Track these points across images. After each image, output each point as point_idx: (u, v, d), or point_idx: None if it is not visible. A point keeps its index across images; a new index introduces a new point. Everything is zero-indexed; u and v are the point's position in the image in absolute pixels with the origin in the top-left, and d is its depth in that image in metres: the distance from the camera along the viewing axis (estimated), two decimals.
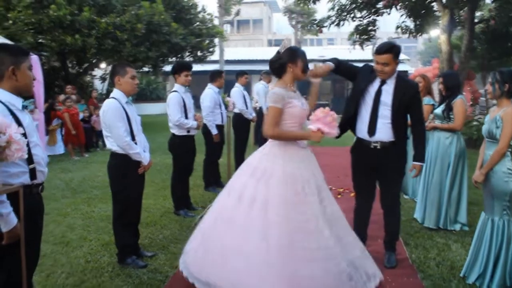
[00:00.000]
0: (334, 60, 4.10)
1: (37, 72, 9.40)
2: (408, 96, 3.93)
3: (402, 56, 32.28)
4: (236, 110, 8.10)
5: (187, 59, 17.99)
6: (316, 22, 13.55)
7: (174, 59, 16.91)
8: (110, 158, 4.15)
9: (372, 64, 4.03)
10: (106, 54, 14.10)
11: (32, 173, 2.64)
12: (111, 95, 4.10)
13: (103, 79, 18.84)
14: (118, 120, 3.93)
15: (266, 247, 3.11)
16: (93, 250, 4.57)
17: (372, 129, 3.97)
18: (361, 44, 13.60)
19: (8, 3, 11.83)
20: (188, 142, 5.78)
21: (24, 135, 2.49)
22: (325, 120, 3.36)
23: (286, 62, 3.53)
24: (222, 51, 27.01)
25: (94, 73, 19.20)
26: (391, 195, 4.19)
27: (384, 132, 3.95)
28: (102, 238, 4.88)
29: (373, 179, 4.22)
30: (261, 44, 46.78)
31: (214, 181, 7.34)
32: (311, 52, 34.93)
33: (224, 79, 7.43)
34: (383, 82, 3.97)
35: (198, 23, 16.97)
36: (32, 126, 2.73)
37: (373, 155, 4.01)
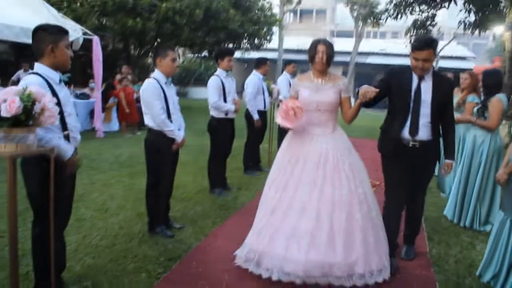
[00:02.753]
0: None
1: (97, 52, 9.99)
2: (444, 92, 3.84)
3: (467, 53, 31.10)
4: (281, 97, 8.24)
5: (244, 46, 18.29)
6: (374, 14, 13.35)
7: (231, 45, 17.23)
8: (147, 133, 4.45)
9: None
10: (165, 37, 14.60)
11: (66, 139, 2.95)
12: (152, 75, 4.39)
13: None
14: (155, 98, 4.22)
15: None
16: (128, 218, 4.92)
17: (414, 130, 3.81)
18: None
19: None
20: (225, 125, 6.02)
21: (59, 105, 2.83)
22: (288, 117, 3.60)
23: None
24: (281, 39, 27.10)
25: None
26: (420, 195, 4.16)
27: (425, 131, 3.82)
28: (138, 208, 5.22)
29: (407, 183, 4.01)
30: (323, 35, 46.36)
31: (254, 165, 7.56)
32: (373, 45, 34.32)
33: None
34: (420, 79, 3.80)
35: (256, 11, 17.14)
36: (67, 97, 3.04)
37: (410, 154, 3.85)
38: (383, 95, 3.81)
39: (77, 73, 12.88)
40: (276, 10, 22.83)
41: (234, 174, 7.11)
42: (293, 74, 8.45)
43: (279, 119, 3.67)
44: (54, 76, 2.94)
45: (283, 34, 28.01)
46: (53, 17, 9.42)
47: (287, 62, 8.59)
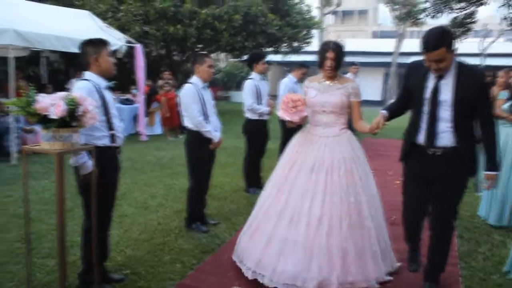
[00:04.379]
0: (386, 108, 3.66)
1: (139, 59, 10.45)
2: (473, 89, 3.15)
3: None
4: None
5: (283, 49, 18.48)
6: (412, 13, 13.26)
7: (270, 49, 17.47)
8: (187, 134, 4.76)
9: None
10: (205, 43, 15.00)
11: (112, 138, 3.27)
12: (190, 80, 4.70)
13: (208, 66, 19.90)
14: (193, 102, 4.52)
15: None
16: (166, 215, 5.22)
17: (431, 136, 3.30)
18: (458, 38, 13.08)
19: None
20: (260, 126, 6.25)
21: (106, 107, 3.20)
22: (287, 108, 3.59)
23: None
24: (321, 42, 27.10)
25: None
26: (445, 214, 3.42)
27: (446, 137, 3.28)
28: (176, 206, 5.52)
29: (428, 194, 3.52)
30: (366, 36, 45.91)
31: None
32: (415, 45, 33.61)
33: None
34: (440, 77, 3.23)
35: (295, 14, 17.30)
36: (112, 101, 3.35)
37: (431, 163, 3.36)
38: (406, 100, 3.52)
39: (122, 79, 13.42)
40: (315, 12, 22.88)
41: (268, 174, 7.29)
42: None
43: (279, 112, 3.68)
44: (101, 82, 3.28)
45: (324, 36, 28.01)
46: (98, 27, 9.96)
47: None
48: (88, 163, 3.04)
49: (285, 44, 17.93)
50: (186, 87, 4.62)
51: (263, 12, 14.94)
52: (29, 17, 8.27)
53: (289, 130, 4.77)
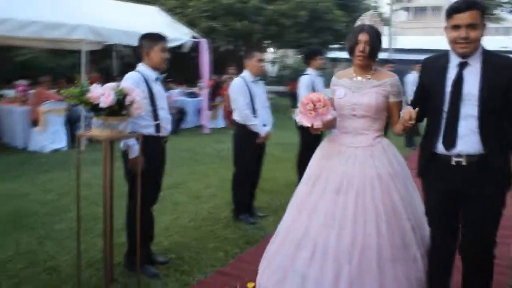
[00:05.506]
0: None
1: (204, 54, 10.75)
2: (505, 78, 2.55)
3: None
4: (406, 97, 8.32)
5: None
6: (489, 9, 12.62)
7: (336, 46, 17.33)
8: (235, 127, 4.89)
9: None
10: (270, 39, 15.15)
11: (157, 128, 3.45)
12: (240, 74, 4.83)
13: (273, 62, 20.15)
14: (240, 95, 4.65)
15: None
16: (217, 205, 5.40)
17: (450, 138, 2.63)
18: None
19: None
20: None
21: (153, 99, 3.39)
22: (305, 111, 2.75)
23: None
24: (391, 39, 26.43)
25: (265, 56, 20.60)
26: (480, 239, 2.71)
27: (471, 142, 2.61)
28: (228, 197, 5.64)
29: (456, 212, 2.78)
30: (439, 33, 44.06)
31: None
32: (495, 42, 31.86)
33: (394, 69, 7.73)
34: (463, 65, 2.62)
35: (362, 10, 17.03)
36: (161, 93, 3.54)
37: (455, 178, 2.66)
38: (423, 104, 2.78)
39: (189, 73, 13.86)
40: (385, 8, 22.35)
41: None
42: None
43: (297, 116, 2.85)
44: (151, 74, 3.48)
45: (395, 33, 27.31)
46: (166, 22, 10.37)
47: (383, 61, 8.34)
48: (135, 147, 3.25)
49: None
50: (235, 81, 4.78)
51: (330, 8, 14.84)
52: (101, 13, 8.77)
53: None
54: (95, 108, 2.84)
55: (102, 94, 2.78)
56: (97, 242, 4.05)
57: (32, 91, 8.96)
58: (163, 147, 3.61)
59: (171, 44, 9.75)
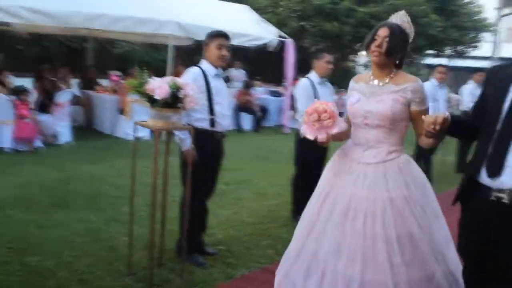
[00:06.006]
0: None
1: (290, 54, 10.80)
2: None
3: None
4: (463, 108, 7.86)
5: (447, 53, 17.39)
6: None
7: (430, 51, 16.59)
8: (297, 127, 4.90)
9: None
10: (360, 41, 14.84)
11: (212, 122, 3.56)
12: (307, 75, 4.82)
13: (366, 66, 19.71)
14: (303, 95, 4.66)
15: None
16: (279, 204, 5.44)
17: (495, 164, 2.09)
18: None
19: None
20: None
21: (210, 93, 3.52)
22: (309, 122, 2.50)
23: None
24: (496, 46, 24.73)
25: (357, 59, 20.26)
26: None
27: None
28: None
29: (494, 269, 2.17)
30: None
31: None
32: None
33: (446, 75, 7.33)
34: None
35: (463, 15, 16.14)
36: (220, 89, 3.64)
37: (491, 219, 2.11)
38: (480, 119, 2.26)
39: (275, 72, 14.00)
40: (491, 13, 20.94)
41: None
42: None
43: (302, 127, 2.60)
44: (210, 70, 3.60)
45: (500, 40, 25.49)
46: (253, 21, 10.57)
47: (474, 70, 7.98)
48: (187, 141, 3.38)
49: (449, 47, 16.83)
50: (301, 81, 4.78)
51: (426, 12, 14.23)
52: (190, 10, 9.13)
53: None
54: (151, 100, 3.00)
55: (158, 86, 2.93)
56: (157, 228, 4.25)
57: (122, 82, 9.59)
58: (218, 141, 3.70)
59: (255, 43, 10.01)
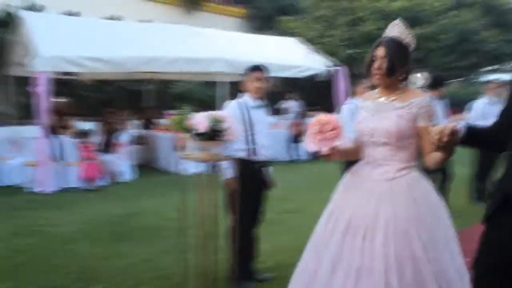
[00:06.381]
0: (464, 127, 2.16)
1: (339, 82, 10.90)
2: None
3: None
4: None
5: (507, 68, 16.80)
6: None
7: (489, 68, 16.09)
8: None
9: None
10: (414, 64, 14.68)
11: (252, 152, 3.74)
12: (349, 100, 4.97)
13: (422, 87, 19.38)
14: (347, 119, 4.74)
15: None
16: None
17: None
18: None
19: (330, 24, 13.93)
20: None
21: (251, 124, 3.71)
22: (311, 136, 2.48)
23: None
24: None
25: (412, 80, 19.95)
26: None
27: None
28: None
29: None
30: None
31: (480, 196, 7.00)
32: None
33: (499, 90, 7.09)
34: None
35: None
36: (260, 120, 3.82)
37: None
38: (505, 130, 2.09)
39: (326, 101, 14.11)
40: None
41: (457, 201, 6.85)
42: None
43: (305, 139, 2.55)
44: (249, 102, 3.81)
45: None
46: (302, 53, 10.81)
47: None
48: (229, 170, 3.55)
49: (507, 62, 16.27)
50: (346, 105, 4.86)
51: (477, 30, 13.90)
52: (237, 47, 9.52)
53: None
54: (194, 134, 3.22)
55: (198, 121, 3.15)
56: (211, 258, 4.43)
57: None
58: (259, 171, 3.84)
59: (304, 74, 10.22)
